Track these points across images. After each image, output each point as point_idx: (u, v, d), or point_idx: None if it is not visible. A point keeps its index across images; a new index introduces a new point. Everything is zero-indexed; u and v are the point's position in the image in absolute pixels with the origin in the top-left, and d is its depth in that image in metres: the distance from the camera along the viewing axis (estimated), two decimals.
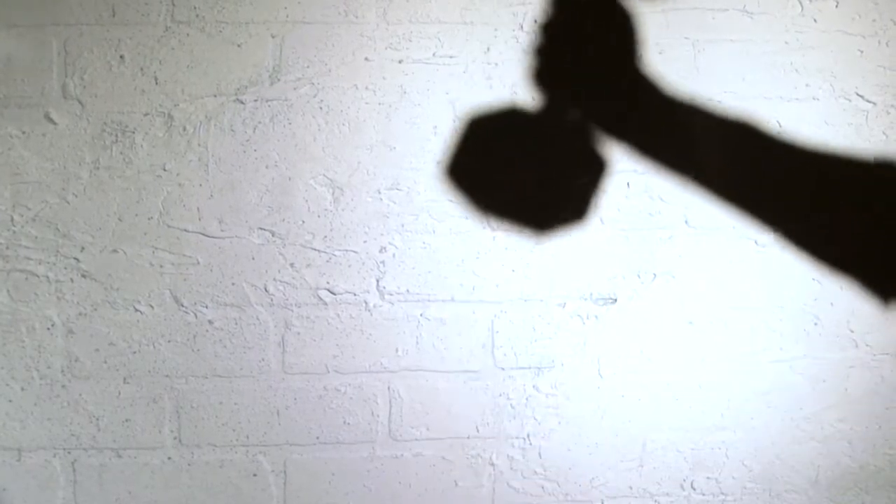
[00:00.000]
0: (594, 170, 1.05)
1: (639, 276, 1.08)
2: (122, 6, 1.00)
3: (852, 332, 1.11)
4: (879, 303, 1.06)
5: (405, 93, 1.04)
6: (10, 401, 1.02)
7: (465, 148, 1.03)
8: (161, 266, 1.02)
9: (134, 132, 1.01)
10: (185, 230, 1.02)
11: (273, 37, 1.02)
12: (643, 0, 1.02)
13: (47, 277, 1.01)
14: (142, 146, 1.01)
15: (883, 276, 1.05)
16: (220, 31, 1.01)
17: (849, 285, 1.08)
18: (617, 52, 1.03)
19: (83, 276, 1.01)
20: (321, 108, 1.03)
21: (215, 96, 1.02)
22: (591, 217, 1.06)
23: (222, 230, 1.03)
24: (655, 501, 1.12)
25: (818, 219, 1.07)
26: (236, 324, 1.04)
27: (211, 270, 1.03)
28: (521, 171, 1.04)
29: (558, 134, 1.04)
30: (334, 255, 1.04)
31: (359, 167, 1.04)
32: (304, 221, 1.03)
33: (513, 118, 1.04)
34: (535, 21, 1.03)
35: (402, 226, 1.05)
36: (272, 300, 1.04)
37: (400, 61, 1.04)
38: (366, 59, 1.03)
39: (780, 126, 1.08)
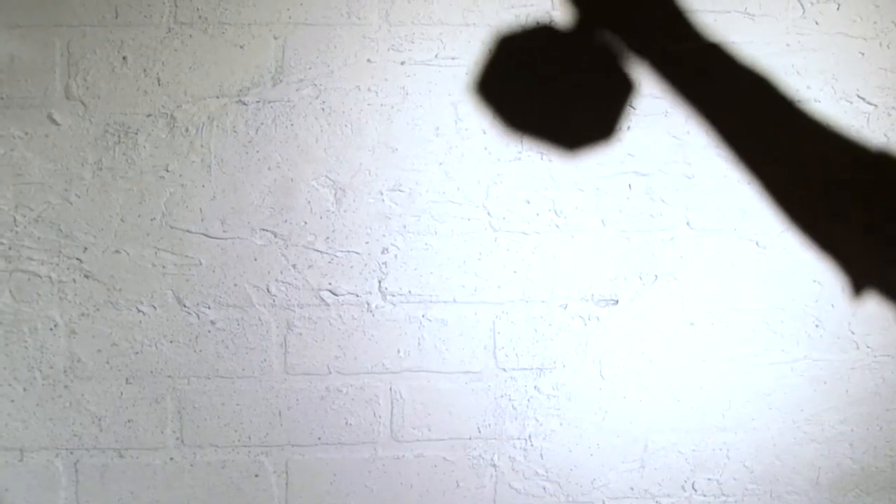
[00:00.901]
0: (622, 90, 1.05)
1: (640, 278, 1.08)
2: (125, 7, 1.01)
3: (853, 333, 1.11)
4: (851, 292, 1.06)
5: (407, 94, 1.04)
6: (13, 401, 1.02)
7: (494, 65, 1.02)
8: (163, 267, 1.03)
9: (137, 133, 1.01)
10: (188, 231, 1.03)
11: (275, 38, 1.02)
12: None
13: (50, 278, 1.01)
14: (144, 147, 1.01)
15: (860, 267, 1.06)
16: (223, 33, 1.02)
17: (830, 267, 1.09)
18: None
19: (86, 276, 1.02)
20: (323, 109, 1.03)
21: (218, 97, 1.02)
22: (617, 136, 1.05)
23: (225, 231, 1.03)
24: (657, 502, 1.12)
25: (813, 194, 1.07)
26: (238, 324, 1.04)
27: (213, 271, 1.03)
28: (550, 89, 1.04)
29: (587, 53, 1.04)
30: (336, 256, 1.04)
31: (361, 168, 1.04)
32: (306, 222, 1.04)
33: (543, 36, 1.03)
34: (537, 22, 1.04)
35: (404, 227, 1.05)
36: (274, 301, 1.04)
37: (402, 63, 1.04)
38: (368, 60, 1.03)
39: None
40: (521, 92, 1.04)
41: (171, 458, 1.05)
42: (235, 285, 1.03)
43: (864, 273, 1.07)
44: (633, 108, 1.06)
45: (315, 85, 1.03)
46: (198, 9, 1.01)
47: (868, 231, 1.08)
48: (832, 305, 1.10)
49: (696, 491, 1.12)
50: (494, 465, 1.09)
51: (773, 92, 1.05)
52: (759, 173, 1.05)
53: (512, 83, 1.04)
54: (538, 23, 1.02)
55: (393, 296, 1.06)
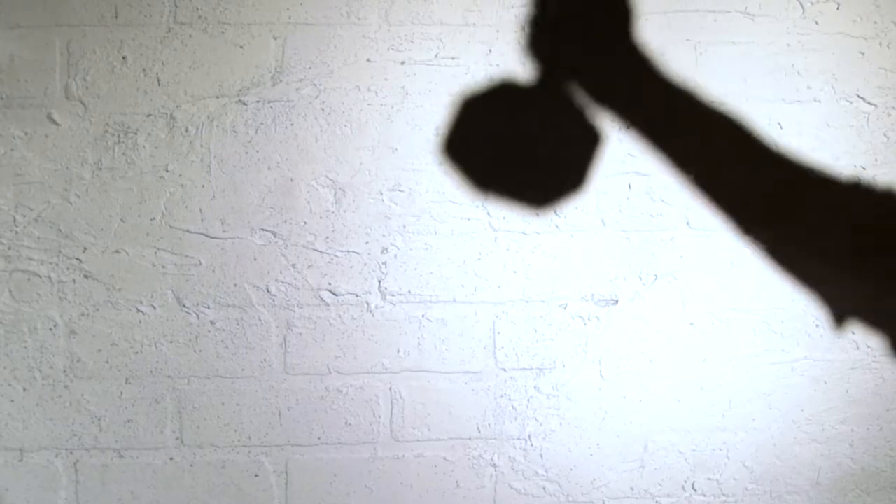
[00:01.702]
0: (590, 141, 1.05)
1: (640, 278, 1.08)
2: (124, 7, 1.01)
3: (853, 333, 1.11)
4: (833, 323, 1.07)
5: (407, 94, 1.04)
6: (13, 401, 1.02)
7: (460, 126, 1.03)
8: (163, 267, 1.02)
9: (136, 133, 1.01)
10: (188, 231, 1.02)
11: (275, 38, 1.02)
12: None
13: (49, 278, 1.01)
14: (144, 147, 1.01)
15: (839, 297, 1.07)
16: (223, 33, 1.02)
17: (808, 300, 1.09)
18: (611, 23, 1.03)
19: (85, 276, 1.02)
20: (323, 109, 1.03)
21: (217, 97, 1.02)
22: (587, 188, 1.06)
23: (224, 231, 1.03)
24: (657, 502, 1.12)
25: (791, 228, 1.07)
26: (238, 324, 1.04)
27: (213, 271, 1.03)
28: (517, 146, 1.04)
29: (553, 107, 1.04)
30: (336, 256, 1.04)
31: (360, 168, 1.04)
32: (305, 222, 1.04)
33: (507, 94, 1.03)
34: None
35: (404, 227, 1.05)
36: (274, 301, 1.04)
37: (402, 62, 1.04)
38: (368, 60, 1.03)
39: (781, 128, 1.08)
40: (489, 151, 1.05)
41: (171, 458, 1.05)
42: (235, 285, 1.03)
43: (843, 303, 1.08)
44: (601, 157, 1.06)
45: (315, 85, 1.03)
46: (197, 9, 1.01)
47: (845, 261, 1.08)
48: None
49: (696, 491, 1.12)
50: (494, 465, 1.09)
51: (743, 132, 1.06)
52: (733, 211, 1.05)
53: (478, 143, 1.05)
54: (502, 81, 1.03)
55: (393, 296, 1.06)
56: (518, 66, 1.04)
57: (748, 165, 1.06)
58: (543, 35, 1.03)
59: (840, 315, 1.06)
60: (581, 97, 1.03)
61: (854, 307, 1.09)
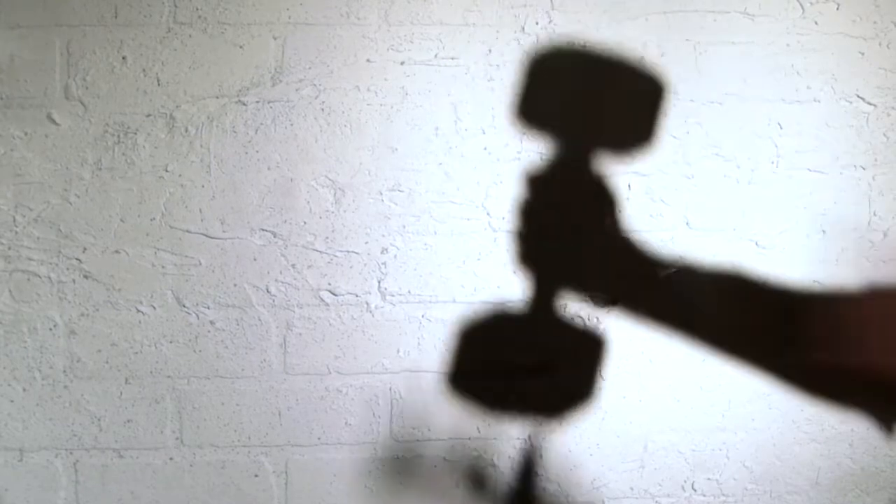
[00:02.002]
0: (592, 348, 1.07)
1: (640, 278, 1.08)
2: (124, 7, 1.01)
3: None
4: (884, 432, 1.07)
5: (407, 94, 1.04)
6: (12, 401, 1.02)
7: (462, 356, 1.05)
8: (163, 267, 1.02)
9: (136, 133, 1.01)
10: (187, 231, 1.02)
11: (275, 38, 1.02)
12: (616, 162, 1.03)
13: (49, 278, 1.01)
14: (144, 147, 1.01)
15: (884, 405, 1.07)
16: (223, 33, 1.02)
17: (854, 417, 1.09)
18: (602, 226, 1.05)
19: (85, 276, 1.02)
20: (323, 109, 1.03)
21: (217, 97, 1.02)
22: (598, 397, 1.08)
23: (224, 231, 1.03)
24: (656, 502, 1.12)
25: (814, 356, 1.07)
26: (238, 324, 1.04)
27: (213, 271, 1.03)
28: (519, 366, 1.05)
29: (549, 328, 1.05)
30: (336, 256, 1.04)
31: (360, 168, 1.04)
32: (305, 222, 1.04)
33: (502, 321, 1.05)
34: (525, 175, 1.04)
35: (404, 227, 1.05)
36: (274, 301, 1.04)
37: (402, 63, 1.04)
38: (367, 60, 1.03)
39: (781, 128, 1.08)
40: (492, 376, 1.06)
41: (171, 459, 1.05)
42: (235, 285, 1.03)
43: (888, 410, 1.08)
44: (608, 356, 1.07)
45: (314, 85, 1.03)
46: (197, 9, 1.01)
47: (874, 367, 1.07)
48: None
49: (695, 491, 1.12)
50: (494, 466, 1.09)
51: (744, 280, 1.06)
52: (760, 362, 1.05)
53: (480, 376, 1.06)
54: (494, 310, 1.05)
55: (392, 296, 1.06)
56: (518, 66, 1.04)
57: (759, 309, 1.06)
58: (531, 245, 1.04)
59: (887, 422, 1.06)
60: (580, 308, 1.05)
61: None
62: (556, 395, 1.07)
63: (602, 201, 1.04)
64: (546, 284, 1.04)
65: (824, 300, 1.06)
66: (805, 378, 1.05)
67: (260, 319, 1.04)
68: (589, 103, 1.03)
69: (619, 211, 1.04)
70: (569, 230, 1.03)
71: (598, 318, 1.08)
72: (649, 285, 1.05)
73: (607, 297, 1.06)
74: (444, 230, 1.06)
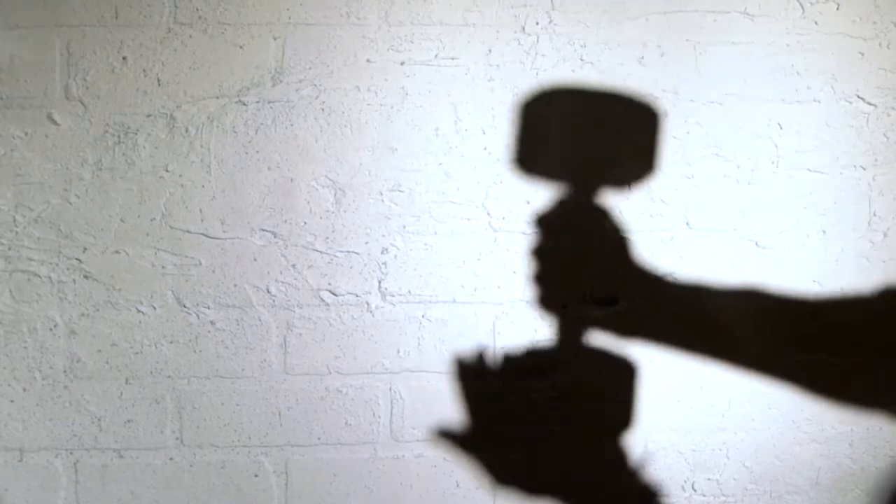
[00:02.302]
0: (626, 375, 1.07)
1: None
2: (124, 8, 1.01)
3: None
4: None
5: (407, 94, 1.04)
6: (12, 401, 1.02)
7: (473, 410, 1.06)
8: (163, 267, 1.03)
9: (136, 133, 1.01)
10: (188, 231, 1.02)
11: (275, 38, 1.02)
12: (617, 193, 1.04)
13: (49, 278, 1.01)
14: (144, 147, 1.01)
15: None
16: (223, 33, 1.02)
17: (884, 420, 1.09)
18: (613, 259, 1.06)
19: (85, 276, 1.02)
20: (323, 109, 1.03)
21: (217, 98, 1.02)
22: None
23: (224, 231, 1.03)
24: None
25: (835, 362, 1.08)
26: (238, 325, 1.04)
27: (213, 271, 1.03)
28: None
29: (579, 356, 1.06)
30: (336, 257, 1.04)
31: (360, 168, 1.04)
32: (305, 223, 1.04)
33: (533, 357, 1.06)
34: (534, 219, 1.05)
35: (404, 227, 1.05)
36: (274, 301, 1.04)
37: (402, 63, 1.04)
38: (367, 60, 1.04)
39: (781, 128, 1.08)
40: (509, 448, 1.07)
41: (171, 459, 1.05)
42: (235, 285, 1.03)
43: None
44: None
45: (315, 85, 1.03)
46: (197, 9, 1.01)
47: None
48: None
49: (695, 491, 1.12)
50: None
51: (763, 297, 1.07)
52: (781, 375, 1.06)
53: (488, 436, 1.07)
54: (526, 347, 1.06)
55: (392, 296, 1.06)
56: (518, 66, 1.04)
57: (784, 323, 1.07)
58: (550, 288, 1.05)
59: None
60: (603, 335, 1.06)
61: None
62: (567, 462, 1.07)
63: (615, 239, 1.05)
64: (570, 319, 1.06)
65: (844, 303, 1.06)
66: (827, 384, 1.05)
67: (260, 319, 1.04)
68: (588, 143, 1.04)
69: (632, 247, 1.05)
70: (587, 273, 1.05)
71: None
72: (672, 311, 1.06)
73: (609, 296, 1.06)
74: (445, 230, 1.06)
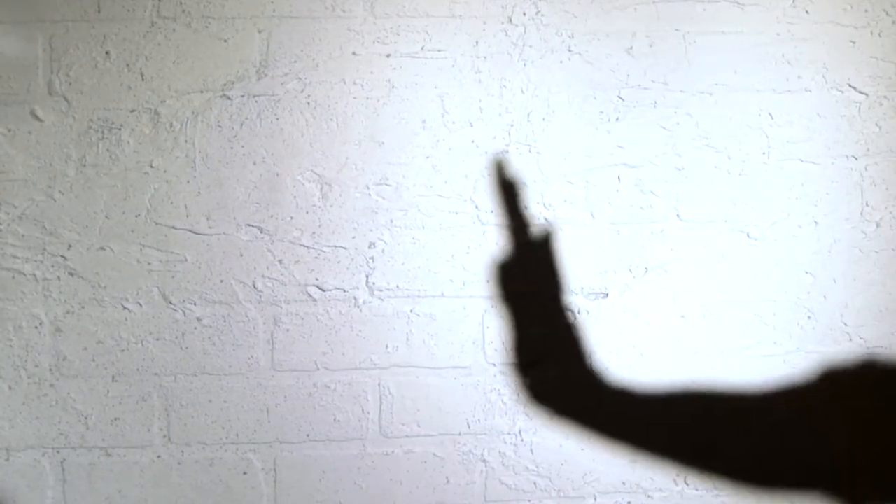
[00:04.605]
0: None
1: (630, 271, 1.07)
2: (107, 2, 1.00)
3: (846, 325, 1.10)
4: None
5: (393, 87, 1.03)
6: None
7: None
8: (149, 263, 1.02)
9: (120, 129, 1.00)
10: (173, 227, 1.02)
11: (260, 32, 1.01)
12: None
13: (34, 276, 1.00)
14: (128, 143, 1.00)
15: (851, 484, 1.07)
16: (207, 27, 1.01)
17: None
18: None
19: (70, 274, 1.01)
20: (308, 103, 1.02)
21: (202, 92, 1.01)
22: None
23: (210, 227, 1.02)
24: (648, 497, 1.11)
25: (769, 456, 1.09)
26: (225, 321, 1.03)
27: (199, 267, 1.02)
28: None
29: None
30: (323, 252, 1.04)
31: (347, 162, 1.03)
32: (292, 217, 1.03)
33: None
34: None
35: (391, 221, 1.04)
36: (261, 297, 1.03)
37: (388, 55, 1.03)
38: (353, 53, 1.02)
39: (772, 118, 1.07)
40: None
41: (159, 456, 1.04)
42: (221, 281, 1.03)
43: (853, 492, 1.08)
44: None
45: (300, 79, 1.02)
46: (181, 3, 1.00)
47: (838, 450, 1.09)
48: (824, 297, 1.09)
49: (688, 485, 1.11)
50: (484, 461, 1.08)
51: (700, 395, 1.08)
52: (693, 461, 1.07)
53: None
54: None
55: (380, 291, 1.05)
56: (505, 57, 1.03)
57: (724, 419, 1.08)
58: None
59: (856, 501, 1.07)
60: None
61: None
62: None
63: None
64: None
65: (775, 395, 1.07)
66: (772, 476, 1.07)
67: (247, 316, 1.03)
68: None
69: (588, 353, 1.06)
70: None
71: (587, 311, 1.07)
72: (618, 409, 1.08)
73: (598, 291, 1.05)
74: (432, 224, 1.05)
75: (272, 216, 1.02)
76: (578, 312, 1.07)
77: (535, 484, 1.09)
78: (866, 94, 1.08)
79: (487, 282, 1.05)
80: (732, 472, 1.07)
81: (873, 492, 1.08)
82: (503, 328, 1.05)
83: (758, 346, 1.10)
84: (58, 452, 1.03)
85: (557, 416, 1.05)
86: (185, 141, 1.01)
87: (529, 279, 1.04)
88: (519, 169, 1.05)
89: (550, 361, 1.05)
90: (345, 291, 1.04)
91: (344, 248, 1.04)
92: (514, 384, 1.05)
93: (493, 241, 1.05)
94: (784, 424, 1.07)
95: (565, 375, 1.05)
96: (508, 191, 1.01)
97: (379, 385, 1.06)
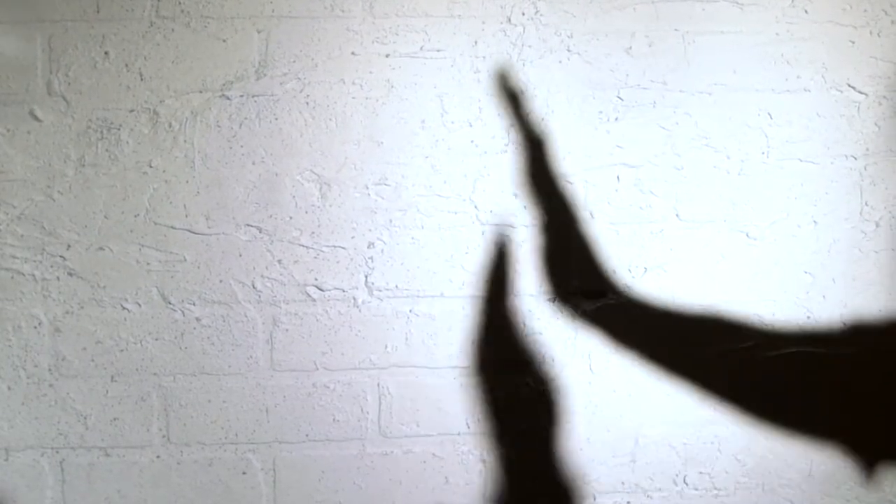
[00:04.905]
0: None
1: (629, 270, 1.07)
2: (106, 2, 1.00)
3: (845, 325, 1.10)
4: (864, 471, 1.07)
5: (392, 87, 1.03)
6: None
7: None
8: (148, 263, 1.02)
9: (119, 129, 1.00)
10: (172, 227, 1.02)
11: (259, 32, 1.01)
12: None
13: (33, 276, 1.00)
14: (127, 143, 1.00)
15: (865, 444, 1.07)
16: (206, 27, 1.01)
17: (835, 454, 1.09)
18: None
19: (69, 274, 1.01)
20: (308, 103, 1.02)
21: (201, 92, 1.01)
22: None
23: (209, 227, 1.02)
24: (648, 497, 1.11)
25: (792, 397, 1.09)
26: (224, 321, 1.03)
27: (198, 267, 1.02)
28: None
29: None
30: (322, 251, 1.04)
31: (346, 162, 1.03)
32: (291, 217, 1.03)
33: None
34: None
35: (391, 221, 1.04)
36: (260, 297, 1.03)
37: (387, 55, 1.03)
38: (352, 53, 1.02)
39: (771, 118, 1.07)
40: None
41: (158, 457, 1.04)
42: (220, 281, 1.03)
43: (871, 449, 1.08)
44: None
45: (299, 78, 1.02)
46: (180, 3, 1.00)
47: (860, 405, 1.08)
48: (824, 297, 1.09)
49: (687, 485, 1.11)
50: (484, 461, 1.08)
51: (721, 322, 1.08)
52: (726, 394, 1.07)
53: None
54: None
55: (380, 291, 1.05)
56: (505, 57, 1.03)
57: (741, 352, 1.09)
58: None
59: (869, 462, 1.06)
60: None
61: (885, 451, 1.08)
62: None
63: None
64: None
65: (803, 336, 1.07)
66: (785, 417, 1.06)
67: (246, 316, 1.03)
68: None
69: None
70: None
71: (584, 310, 1.07)
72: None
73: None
74: (432, 224, 1.05)
75: (271, 216, 1.02)
76: (578, 312, 1.07)
77: None
78: (866, 94, 1.08)
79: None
80: (757, 409, 1.07)
81: (892, 452, 1.07)
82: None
83: (757, 346, 1.09)
84: (57, 452, 1.03)
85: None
86: (184, 141, 1.01)
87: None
88: (518, 169, 1.05)
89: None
90: (344, 291, 1.04)
91: (343, 247, 1.04)
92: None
93: (493, 242, 1.05)
94: (812, 374, 1.06)
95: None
96: (514, 101, 1.01)
97: (378, 385, 1.06)
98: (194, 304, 1.02)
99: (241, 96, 1.01)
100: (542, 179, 1.02)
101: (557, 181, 1.02)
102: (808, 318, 1.09)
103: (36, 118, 0.99)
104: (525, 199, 1.04)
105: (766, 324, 1.08)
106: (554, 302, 1.06)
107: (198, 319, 1.03)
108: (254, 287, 1.03)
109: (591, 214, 1.06)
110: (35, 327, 1.01)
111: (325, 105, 1.02)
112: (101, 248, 1.01)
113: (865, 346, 1.07)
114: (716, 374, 1.07)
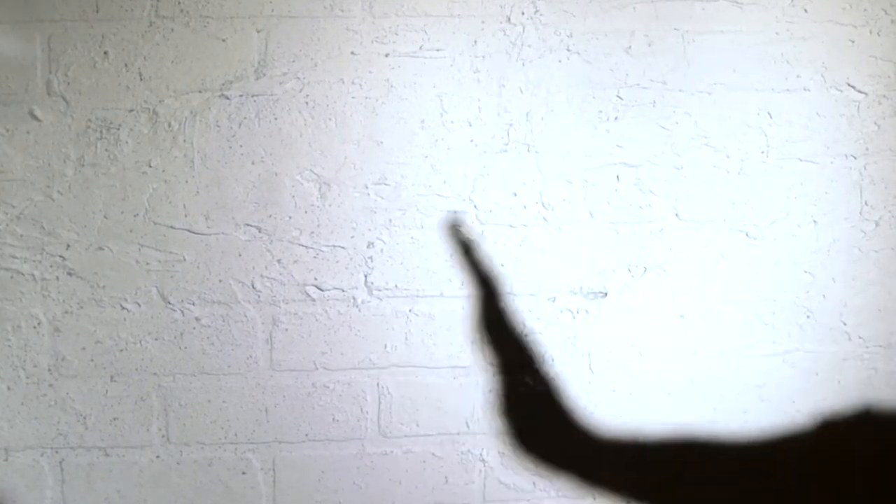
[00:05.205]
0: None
1: (629, 270, 1.07)
2: (105, 2, 1.00)
3: (845, 324, 1.10)
4: None
5: (392, 87, 1.03)
6: None
7: None
8: (147, 263, 1.02)
9: (119, 129, 1.00)
10: (172, 227, 1.02)
11: (258, 31, 1.01)
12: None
13: (33, 276, 1.00)
14: (127, 143, 1.00)
15: None
16: (205, 26, 1.01)
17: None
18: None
19: (69, 274, 1.01)
20: (307, 102, 1.02)
21: (200, 92, 1.01)
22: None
23: (209, 227, 1.02)
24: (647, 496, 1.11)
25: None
26: (223, 321, 1.03)
27: (198, 267, 1.02)
28: None
29: None
30: (322, 251, 1.03)
31: (345, 162, 1.03)
32: (290, 217, 1.03)
33: None
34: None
35: (390, 221, 1.04)
36: (259, 297, 1.03)
37: (386, 55, 1.03)
38: (352, 53, 1.02)
39: (771, 117, 1.07)
40: None
41: (158, 456, 1.04)
42: (220, 281, 1.03)
43: None
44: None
45: (298, 78, 1.02)
46: (179, 2, 1.00)
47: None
48: (824, 296, 1.09)
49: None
50: (483, 461, 1.08)
51: (696, 443, 1.09)
52: None
53: None
54: None
55: (379, 290, 1.05)
56: (504, 57, 1.03)
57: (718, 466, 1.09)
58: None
59: None
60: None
61: None
62: None
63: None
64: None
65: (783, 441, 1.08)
66: None
67: (246, 315, 1.03)
68: None
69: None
70: None
71: (587, 311, 1.07)
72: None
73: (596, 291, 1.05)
74: (431, 224, 1.05)
75: (271, 216, 1.02)
76: (577, 312, 1.07)
77: (534, 483, 1.09)
78: (865, 94, 1.08)
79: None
80: None
81: None
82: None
83: (757, 346, 1.10)
84: (56, 452, 1.03)
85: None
86: (184, 141, 1.01)
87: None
88: (518, 168, 1.05)
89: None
90: (343, 291, 1.04)
91: (343, 247, 1.04)
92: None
93: (492, 241, 1.05)
94: (783, 474, 1.08)
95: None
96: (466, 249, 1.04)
97: (378, 385, 1.06)
98: (194, 304, 1.02)
99: (241, 96, 1.01)
100: (498, 324, 1.04)
101: (513, 324, 1.05)
102: (808, 317, 1.09)
103: (35, 118, 0.99)
104: (481, 345, 1.05)
105: (732, 441, 1.09)
106: (554, 301, 1.06)
107: (197, 319, 1.03)
108: (253, 287, 1.03)
109: (590, 214, 1.06)
110: (34, 327, 1.01)
111: (324, 105, 1.02)
112: (100, 248, 1.01)
113: (835, 441, 1.09)
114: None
